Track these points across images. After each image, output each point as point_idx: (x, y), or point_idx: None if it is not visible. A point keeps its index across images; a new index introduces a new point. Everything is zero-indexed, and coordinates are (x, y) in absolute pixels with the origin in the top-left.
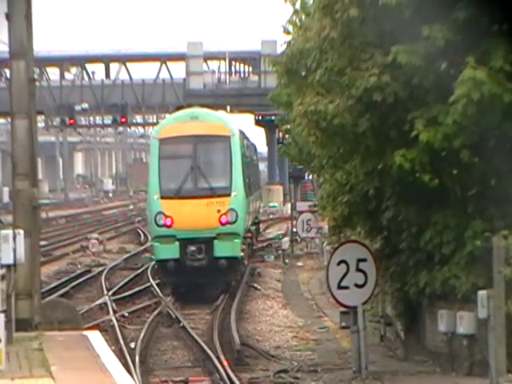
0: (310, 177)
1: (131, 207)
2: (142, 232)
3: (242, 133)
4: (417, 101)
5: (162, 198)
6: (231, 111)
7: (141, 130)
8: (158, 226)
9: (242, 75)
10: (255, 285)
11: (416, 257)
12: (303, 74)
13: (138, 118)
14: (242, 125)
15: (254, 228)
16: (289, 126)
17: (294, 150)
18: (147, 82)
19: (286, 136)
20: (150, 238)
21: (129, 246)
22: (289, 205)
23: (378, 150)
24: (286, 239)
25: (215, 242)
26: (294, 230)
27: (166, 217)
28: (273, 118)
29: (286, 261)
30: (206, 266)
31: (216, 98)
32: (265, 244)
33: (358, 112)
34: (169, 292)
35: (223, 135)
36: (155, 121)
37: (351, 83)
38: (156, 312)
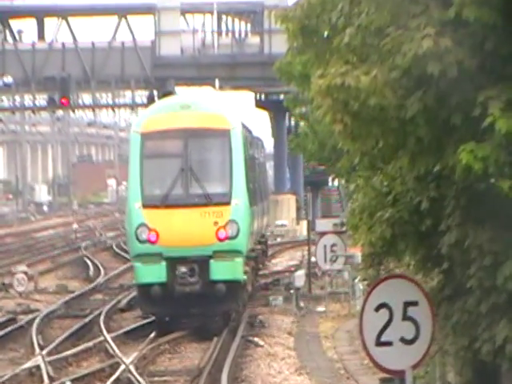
0: (336, 183)
1: (76, 227)
2: (92, 262)
3: (243, 126)
4: (491, 74)
5: (145, 206)
6: (221, 88)
7: (90, 114)
8: (140, 241)
9: (237, 36)
10: (256, 339)
11: (491, 300)
12: (325, 34)
13: (86, 98)
14: (241, 111)
15: (259, 247)
16: (304, 109)
17: (312, 144)
18: (99, 47)
19: (301, 123)
20: (130, 256)
21: (72, 283)
22: (304, 223)
23: (435, 144)
24: (301, 273)
25: (211, 261)
26: (313, 259)
27: (150, 230)
28: (281, 97)
29: (301, 304)
30: (200, 292)
31: (199, 69)
32: (269, 280)
33: (406, 89)
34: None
35: (221, 129)
36: (111, 102)
37: (395, 48)
38: (112, 379)
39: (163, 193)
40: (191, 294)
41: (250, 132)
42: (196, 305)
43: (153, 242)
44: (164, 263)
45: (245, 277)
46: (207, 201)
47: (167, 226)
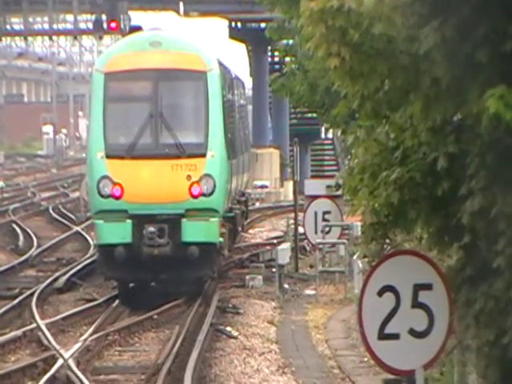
0: (330, 135)
1: (2, 184)
2: (22, 230)
3: (222, 64)
4: None
5: (109, 157)
6: (186, 13)
7: (20, 43)
8: (103, 196)
9: None
10: (228, 329)
11: None
12: None
13: (16, 23)
14: (217, 46)
15: (238, 207)
16: (291, 41)
17: (301, 85)
18: None
19: (286, 59)
20: (91, 212)
21: None
22: (290, 184)
23: (455, 86)
24: (286, 247)
25: (184, 220)
26: (301, 230)
27: (115, 184)
28: (262, 25)
29: (286, 286)
30: (170, 255)
31: None
32: (246, 255)
33: (420, 16)
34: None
35: (197, 70)
36: (47, 28)
37: None
38: (46, 377)
39: (129, 142)
40: (160, 257)
41: (229, 71)
42: (165, 269)
43: (117, 198)
44: (129, 222)
45: (221, 239)
46: (179, 152)
47: (134, 179)
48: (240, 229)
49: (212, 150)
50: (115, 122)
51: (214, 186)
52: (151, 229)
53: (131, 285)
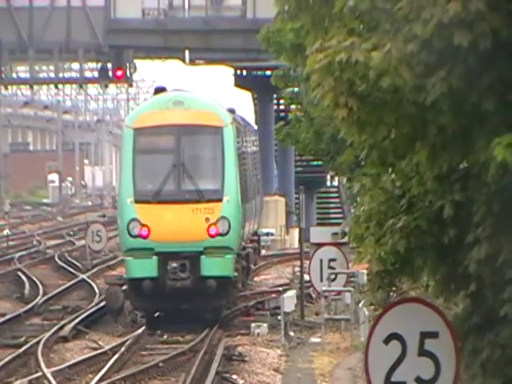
0: (336, 182)
1: (7, 233)
2: (28, 278)
3: (236, 114)
4: None
5: (137, 202)
6: (192, 61)
7: (26, 92)
8: (132, 236)
9: None
10: (234, 377)
11: None
12: None
13: (22, 71)
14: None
15: (251, 245)
16: (297, 89)
17: (307, 133)
18: (39, 6)
19: (292, 107)
20: (121, 250)
21: (2, 304)
22: (296, 232)
23: (461, 135)
24: (291, 294)
25: (202, 257)
26: (306, 277)
27: (142, 226)
28: (268, 73)
29: (291, 334)
30: (191, 287)
31: (165, 37)
32: (252, 303)
33: (426, 66)
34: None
35: (214, 126)
36: (53, 76)
37: (413, 14)
38: None
39: (155, 188)
40: (182, 290)
41: (242, 122)
42: (186, 300)
43: (144, 237)
44: (155, 258)
45: (235, 273)
46: (199, 197)
47: (159, 221)
48: (252, 265)
49: (227, 195)
50: (143, 171)
51: (229, 226)
52: (174, 264)
53: (156, 314)
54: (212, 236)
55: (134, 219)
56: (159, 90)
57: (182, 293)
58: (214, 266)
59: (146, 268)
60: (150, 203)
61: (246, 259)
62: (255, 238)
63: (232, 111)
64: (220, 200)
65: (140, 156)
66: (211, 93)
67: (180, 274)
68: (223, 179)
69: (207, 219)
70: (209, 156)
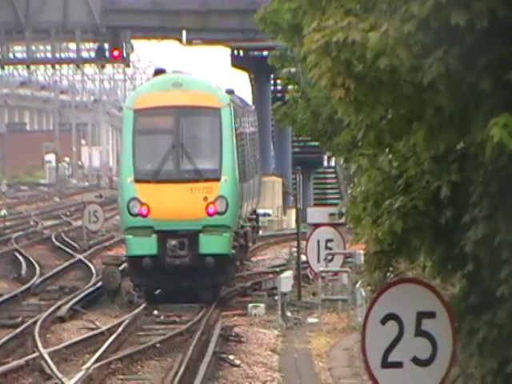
0: (333, 163)
1: (4, 213)
2: (25, 258)
3: (233, 99)
4: None
5: (137, 181)
6: (189, 42)
7: (23, 72)
8: (132, 215)
9: None
10: (231, 357)
11: None
12: None
13: (19, 51)
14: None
15: (249, 224)
16: (294, 69)
17: (304, 114)
18: None
19: (289, 87)
20: (121, 229)
21: None
22: (293, 212)
23: (459, 115)
24: (288, 275)
25: (201, 235)
26: (303, 258)
27: (142, 204)
28: (265, 53)
29: (288, 314)
30: (190, 265)
31: (162, 18)
32: (248, 283)
33: (423, 46)
34: (142, 296)
35: (212, 107)
36: (50, 56)
37: None
38: None
39: (155, 168)
40: (181, 267)
41: (240, 103)
42: (185, 277)
43: (144, 216)
44: (155, 236)
45: (233, 251)
46: (197, 177)
47: (158, 200)
48: (250, 244)
49: (225, 174)
50: (143, 151)
51: (227, 205)
52: (173, 242)
53: (156, 292)
54: (210, 215)
55: (134, 198)
56: (159, 71)
57: (180, 270)
58: (212, 244)
59: (145, 246)
60: (150, 182)
61: (244, 237)
62: (253, 216)
63: (231, 92)
64: (218, 179)
65: (140, 136)
66: (208, 73)
67: (179, 251)
68: (221, 159)
69: (205, 198)
70: (207, 137)
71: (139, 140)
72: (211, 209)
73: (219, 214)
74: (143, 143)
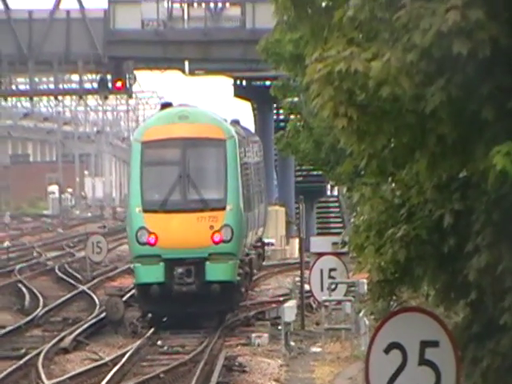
0: (336, 192)
1: (7, 244)
2: (28, 290)
3: (238, 131)
4: None
5: (145, 211)
6: (191, 72)
7: (26, 103)
8: (140, 243)
9: (212, 6)
10: None
11: None
12: (324, 4)
13: (22, 83)
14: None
15: (254, 252)
16: (296, 99)
17: (306, 143)
18: (38, 17)
19: (291, 117)
20: (130, 257)
21: (2, 315)
22: (296, 242)
23: (461, 144)
24: (292, 304)
25: (207, 263)
26: (306, 287)
27: (150, 233)
28: (267, 83)
29: (292, 343)
30: (196, 292)
31: (164, 48)
32: (252, 313)
33: (425, 75)
34: (146, 326)
35: (217, 138)
36: (53, 88)
37: (413, 23)
38: None
39: (162, 198)
40: (188, 294)
41: (246, 134)
42: (192, 304)
43: (152, 245)
44: (162, 264)
45: (238, 278)
46: (203, 206)
47: (166, 229)
48: (255, 271)
49: (230, 204)
50: (150, 182)
51: (232, 234)
52: (180, 270)
53: (164, 319)
54: (216, 243)
55: (142, 227)
56: (165, 105)
57: (187, 297)
58: (217, 272)
59: (153, 273)
60: (158, 212)
61: (249, 265)
62: (259, 244)
63: (236, 122)
64: (223, 209)
65: (147, 168)
66: (211, 103)
67: (186, 279)
68: (226, 189)
69: (211, 227)
70: (212, 167)
71: (147, 171)
72: (217, 237)
73: (225, 242)
74: (151, 174)
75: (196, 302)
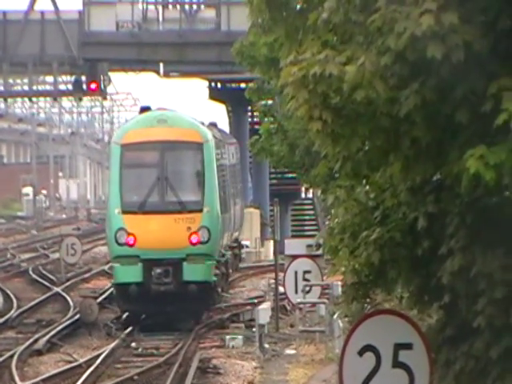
0: (310, 194)
1: None
2: (2, 291)
3: (215, 135)
4: (506, 60)
5: (124, 212)
6: (166, 74)
7: (0, 104)
8: (119, 244)
9: (188, 8)
10: None
11: (503, 342)
12: (298, 7)
13: None
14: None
15: (231, 253)
16: (271, 102)
17: (281, 147)
18: (12, 19)
19: (265, 120)
20: (109, 257)
21: None
22: (271, 243)
23: (435, 147)
24: (266, 307)
25: (184, 263)
26: (281, 289)
27: (129, 234)
28: (242, 85)
29: (266, 346)
30: (174, 291)
31: (139, 50)
32: (226, 315)
33: (399, 78)
34: (120, 328)
35: (195, 142)
36: (27, 88)
37: (387, 27)
38: None
39: (141, 200)
40: (166, 294)
41: (224, 133)
42: (170, 303)
43: (131, 245)
44: (140, 264)
45: (215, 278)
46: (181, 208)
47: (144, 230)
48: (231, 271)
49: (207, 206)
50: (130, 184)
51: (209, 235)
52: (158, 270)
53: (142, 316)
54: (193, 244)
55: (121, 228)
56: (144, 109)
57: (165, 296)
58: (195, 272)
59: (132, 274)
60: (136, 213)
61: (225, 265)
62: (235, 244)
63: (214, 125)
64: (201, 211)
65: (127, 170)
66: (186, 105)
67: (164, 279)
68: (203, 191)
69: (189, 228)
70: (190, 170)
71: (126, 173)
72: (194, 238)
73: (202, 243)
74: (130, 176)
75: (173, 302)
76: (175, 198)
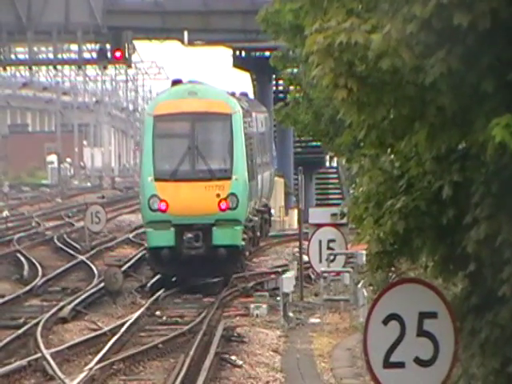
0: (335, 163)
1: (6, 214)
2: (27, 259)
3: (245, 95)
4: None
5: (157, 180)
6: (191, 43)
7: (25, 73)
8: (152, 210)
9: None
10: (233, 358)
11: None
12: None
13: (21, 52)
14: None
15: (259, 218)
16: (296, 70)
17: (306, 115)
18: None
19: (291, 88)
20: (143, 223)
21: (1, 285)
22: (295, 212)
23: (461, 115)
24: (290, 275)
25: (214, 228)
26: (305, 258)
27: (161, 201)
28: (267, 54)
29: (290, 315)
30: (204, 255)
31: (163, 18)
32: (251, 284)
33: (425, 46)
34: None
35: (224, 113)
36: (52, 57)
37: None
38: None
39: (173, 168)
40: (196, 257)
41: (253, 102)
42: (200, 266)
43: (163, 211)
44: (173, 229)
45: (243, 243)
46: (211, 176)
47: (176, 197)
48: (259, 234)
49: (236, 174)
50: (161, 153)
51: (238, 202)
52: (189, 235)
53: (174, 279)
54: (222, 210)
55: (154, 195)
56: (176, 81)
57: (196, 260)
58: (224, 236)
59: (164, 238)
60: (168, 181)
61: (253, 231)
62: (264, 209)
63: (245, 94)
64: (229, 178)
65: (159, 140)
66: (210, 73)
67: (194, 243)
68: (232, 160)
69: (218, 195)
70: (219, 140)
71: (158, 143)
72: (223, 205)
73: (230, 209)
74: (162, 146)
75: (204, 265)
76: (205, 166)
